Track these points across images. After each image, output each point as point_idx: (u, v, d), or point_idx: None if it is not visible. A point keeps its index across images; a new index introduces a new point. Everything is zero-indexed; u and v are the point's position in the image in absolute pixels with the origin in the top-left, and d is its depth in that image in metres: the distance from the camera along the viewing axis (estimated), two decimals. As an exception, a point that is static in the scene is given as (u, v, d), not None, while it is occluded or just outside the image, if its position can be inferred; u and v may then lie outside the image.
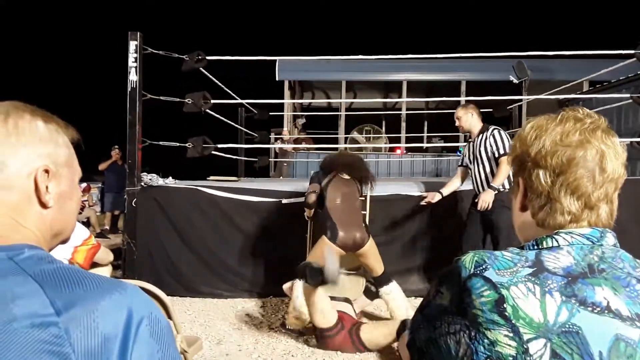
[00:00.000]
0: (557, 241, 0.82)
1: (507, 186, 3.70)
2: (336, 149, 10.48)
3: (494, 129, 3.86)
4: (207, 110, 4.96)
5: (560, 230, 0.83)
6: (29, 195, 0.74)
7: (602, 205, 0.83)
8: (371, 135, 10.71)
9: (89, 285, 0.70)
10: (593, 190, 0.82)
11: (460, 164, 4.18)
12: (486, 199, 3.63)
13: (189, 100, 4.71)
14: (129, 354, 0.66)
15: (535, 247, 0.83)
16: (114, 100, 6.25)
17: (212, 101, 4.78)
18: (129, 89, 4.46)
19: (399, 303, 3.59)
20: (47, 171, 0.75)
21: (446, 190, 4.05)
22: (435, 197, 3.97)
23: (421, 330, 0.87)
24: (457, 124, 4.02)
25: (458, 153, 9.55)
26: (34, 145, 0.75)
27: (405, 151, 9.81)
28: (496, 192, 3.66)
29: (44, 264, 0.71)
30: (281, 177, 9.08)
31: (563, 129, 0.85)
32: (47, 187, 0.75)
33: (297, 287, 3.45)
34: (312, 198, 3.65)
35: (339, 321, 3.22)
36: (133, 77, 4.47)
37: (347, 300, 3.66)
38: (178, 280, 4.49)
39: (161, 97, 4.72)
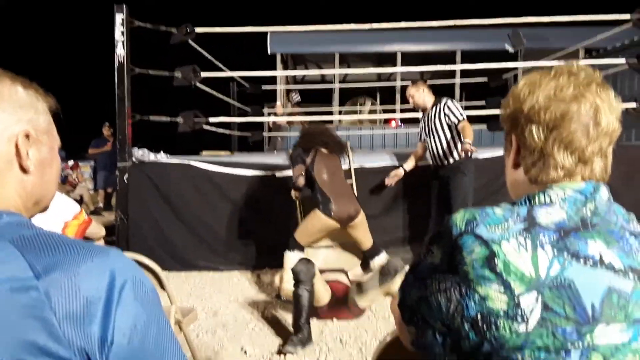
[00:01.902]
0: (549, 196, 0.80)
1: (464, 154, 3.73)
2: (330, 122, 10.45)
3: (446, 100, 4.02)
4: (198, 85, 4.89)
5: (553, 185, 0.82)
6: (10, 160, 0.73)
7: (596, 159, 0.81)
8: (364, 108, 10.63)
9: (70, 249, 0.69)
10: (587, 144, 0.80)
11: (419, 139, 4.29)
12: (468, 147, 3.61)
13: (178, 74, 4.63)
14: (113, 317, 0.65)
15: (528, 203, 0.82)
16: (103, 76, 6.15)
17: (203, 74, 4.70)
18: (116, 64, 4.38)
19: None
20: (27, 136, 0.74)
21: (408, 165, 4.26)
22: (399, 173, 4.21)
23: (412, 289, 0.87)
24: (410, 102, 4.17)
25: None
26: (14, 110, 0.73)
27: (400, 123, 9.77)
28: (469, 150, 3.64)
29: (23, 229, 0.69)
30: (275, 152, 9.04)
31: (557, 84, 0.83)
32: (27, 153, 0.74)
33: (288, 258, 3.47)
34: (302, 181, 3.63)
35: (332, 295, 3.24)
36: (120, 51, 4.38)
37: (342, 270, 3.68)
38: (173, 256, 4.50)
39: (150, 71, 4.65)
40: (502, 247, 0.73)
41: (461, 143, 3.77)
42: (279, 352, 2.79)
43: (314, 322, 3.23)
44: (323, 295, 3.19)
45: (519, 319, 0.69)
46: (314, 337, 2.97)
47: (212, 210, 4.58)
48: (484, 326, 0.71)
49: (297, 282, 2.96)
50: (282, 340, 2.95)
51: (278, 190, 4.51)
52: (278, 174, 4.57)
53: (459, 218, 0.81)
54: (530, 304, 0.69)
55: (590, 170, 0.82)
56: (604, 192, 0.81)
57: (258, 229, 4.58)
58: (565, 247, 0.72)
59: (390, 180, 4.23)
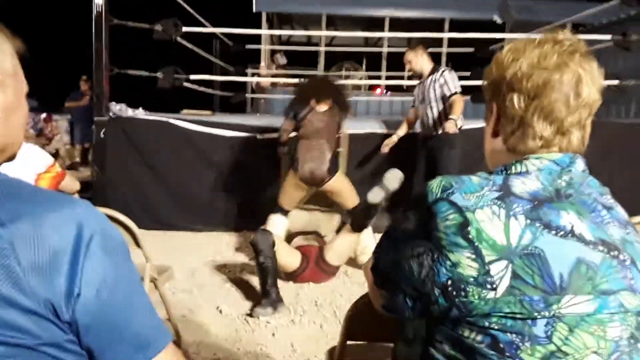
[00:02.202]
0: (526, 166, 0.81)
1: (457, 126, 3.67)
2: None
3: (444, 69, 3.90)
4: (179, 40, 4.75)
5: (530, 155, 0.82)
6: None
7: (575, 130, 0.82)
8: (350, 73, 10.52)
9: (37, 199, 0.67)
10: (567, 115, 0.80)
11: (412, 105, 4.22)
12: (451, 126, 3.54)
13: (159, 27, 4.48)
14: (80, 269, 0.64)
15: (504, 172, 0.82)
16: (81, 26, 5.92)
17: (184, 29, 4.56)
18: (94, 13, 4.21)
19: (365, 236, 3.59)
20: None
21: (401, 131, 4.16)
22: (393, 140, 4.09)
23: (386, 254, 0.87)
24: (407, 67, 4.04)
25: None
26: None
27: (385, 90, 9.71)
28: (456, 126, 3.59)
29: (-14, 176, 0.67)
30: (258, 114, 8.93)
31: (541, 52, 0.82)
32: None
33: (270, 220, 3.48)
34: (284, 137, 3.59)
35: (304, 258, 3.27)
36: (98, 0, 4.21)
37: (316, 233, 3.71)
38: (151, 214, 4.46)
39: (129, 23, 4.49)
40: (475, 215, 0.74)
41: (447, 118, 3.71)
42: (250, 315, 2.83)
43: (290, 285, 3.27)
44: (290, 261, 3.21)
45: (488, 286, 0.70)
46: (289, 300, 3.01)
47: (192, 170, 4.53)
48: (454, 292, 0.72)
49: (256, 252, 2.98)
50: (255, 303, 2.98)
51: (259, 152, 4.47)
52: (260, 135, 4.52)
53: (436, 184, 0.81)
54: (500, 271, 0.70)
55: (567, 142, 0.82)
56: (579, 164, 0.82)
57: (238, 191, 4.56)
58: (537, 217, 0.73)
59: (385, 149, 4.09)
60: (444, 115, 3.79)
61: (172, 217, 4.52)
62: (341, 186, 3.53)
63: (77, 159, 8.55)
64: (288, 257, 3.20)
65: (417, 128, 4.20)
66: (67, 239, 0.64)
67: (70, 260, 0.63)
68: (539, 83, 0.80)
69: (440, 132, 3.80)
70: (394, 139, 4.10)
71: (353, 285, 3.36)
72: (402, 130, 4.17)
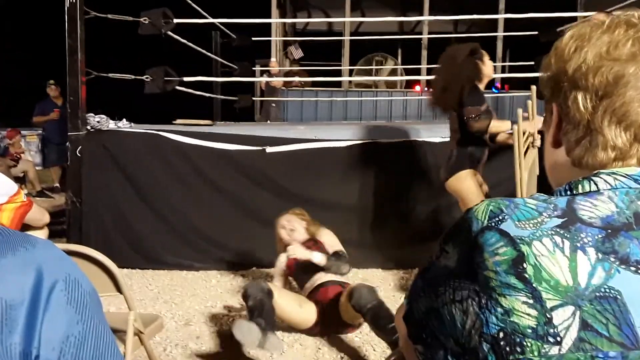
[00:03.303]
0: (596, 184, 0.80)
1: None
2: (339, 84, 10.40)
3: None
4: (170, 34, 4.87)
5: (601, 171, 0.81)
6: None
7: None
8: (382, 67, 10.57)
9: (-14, 240, 0.69)
10: None
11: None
12: None
13: (145, 20, 4.60)
14: (39, 326, 0.65)
15: (569, 192, 0.81)
16: (51, 21, 6.13)
17: (176, 20, 4.67)
18: (66, 5, 4.35)
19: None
20: None
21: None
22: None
23: (421, 298, 0.86)
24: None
25: (493, 89, 9.46)
26: None
27: (426, 87, 9.72)
28: None
29: None
30: (269, 122, 9.04)
31: (611, 38, 0.82)
32: None
33: (281, 260, 3.50)
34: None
35: (319, 307, 3.25)
36: (72, -11, 4.36)
37: None
38: (137, 249, 4.53)
39: (109, 16, 4.62)
40: (532, 247, 0.73)
41: None
42: None
43: (308, 339, 3.26)
44: (299, 317, 3.21)
45: (551, 339, 0.69)
46: (309, 355, 3.00)
47: (187, 193, 4.59)
48: (507, 347, 0.71)
49: (248, 311, 3.00)
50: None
51: (270, 171, 4.51)
52: (269, 149, 4.56)
53: (481, 210, 0.80)
54: (566, 320, 0.69)
55: None
56: (666, 180, 0.80)
57: (244, 219, 4.59)
58: (612, 250, 0.72)
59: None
60: None
61: (163, 253, 4.57)
62: None
63: (57, 184, 8.66)
64: (296, 313, 3.19)
65: None
66: (23, 289, 0.65)
67: (27, 314, 0.64)
68: (609, 78, 0.80)
69: None
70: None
71: (390, 336, 3.33)
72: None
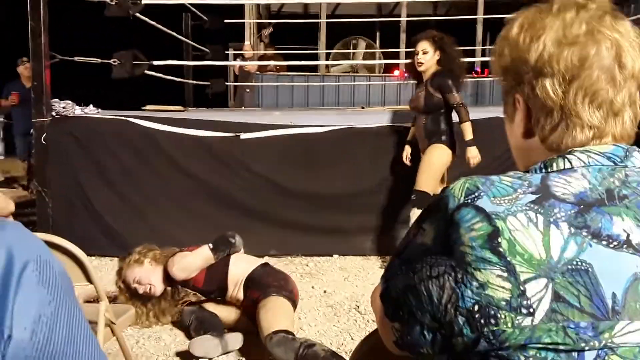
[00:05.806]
0: (570, 162, 0.83)
1: None
2: (316, 68, 10.38)
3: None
4: (138, 15, 4.82)
5: (576, 149, 0.84)
6: None
7: (627, 109, 0.84)
8: (358, 51, 10.57)
9: (-46, 223, 0.69)
10: (615, 93, 0.83)
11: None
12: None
13: (112, 1, 4.55)
14: (10, 306, 0.66)
15: (543, 169, 0.84)
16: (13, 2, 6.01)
17: (144, 1, 4.62)
18: (28, -16, 4.28)
19: None
20: None
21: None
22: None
23: (398, 276, 0.89)
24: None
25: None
26: None
27: (405, 72, 9.75)
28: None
29: None
30: (243, 108, 9.00)
31: (564, 22, 0.85)
32: None
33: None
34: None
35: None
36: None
37: None
38: (109, 238, 4.50)
39: (74, -4, 4.56)
40: (507, 222, 0.75)
41: None
42: None
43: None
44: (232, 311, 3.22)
45: (524, 310, 0.72)
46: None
47: (158, 181, 4.57)
48: (481, 320, 0.74)
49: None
50: (242, 348, 2.99)
51: (244, 157, 4.51)
52: (243, 135, 4.56)
53: (458, 188, 0.83)
54: (538, 292, 0.72)
55: (621, 124, 0.85)
56: (636, 158, 0.83)
57: (219, 206, 4.59)
58: (584, 224, 0.75)
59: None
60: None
61: (134, 241, 4.53)
62: None
63: (24, 177, 8.43)
64: (226, 309, 3.21)
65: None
66: None
67: (-2, 294, 0.65)
68: (574, 61, 0.83)
69: None
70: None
71: (369, 324, 3.37)
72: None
